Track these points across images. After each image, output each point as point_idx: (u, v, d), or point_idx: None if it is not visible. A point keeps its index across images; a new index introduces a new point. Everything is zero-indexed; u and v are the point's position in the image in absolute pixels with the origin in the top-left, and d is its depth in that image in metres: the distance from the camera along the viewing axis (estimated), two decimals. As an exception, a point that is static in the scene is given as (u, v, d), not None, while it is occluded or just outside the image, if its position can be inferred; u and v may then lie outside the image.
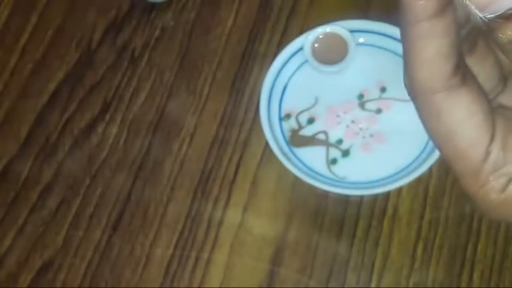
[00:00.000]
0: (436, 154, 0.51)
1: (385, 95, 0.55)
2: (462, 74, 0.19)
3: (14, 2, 0.63)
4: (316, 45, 0.55)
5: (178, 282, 0.52)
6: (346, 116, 0.55)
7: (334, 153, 0.54)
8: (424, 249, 0.51)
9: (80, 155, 0.56)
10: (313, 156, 0.54)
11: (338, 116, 0.55)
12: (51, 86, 0.59)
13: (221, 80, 0.58)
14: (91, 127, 0.57)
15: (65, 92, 0.59)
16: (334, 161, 0.54)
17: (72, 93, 0.59)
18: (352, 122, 0.54)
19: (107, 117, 0.57)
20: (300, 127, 0.55)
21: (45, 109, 0.58)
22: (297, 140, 0.54)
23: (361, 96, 0.55)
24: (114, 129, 0.57)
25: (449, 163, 0.20)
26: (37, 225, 0.54)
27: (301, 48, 0.55)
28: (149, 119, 0.57)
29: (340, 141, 0.54)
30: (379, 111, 0.55)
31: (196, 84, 0.58)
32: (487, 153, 0.19)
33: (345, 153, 0.54)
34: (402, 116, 0.54)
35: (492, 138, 0.19)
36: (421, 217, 0.52)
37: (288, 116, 0.55)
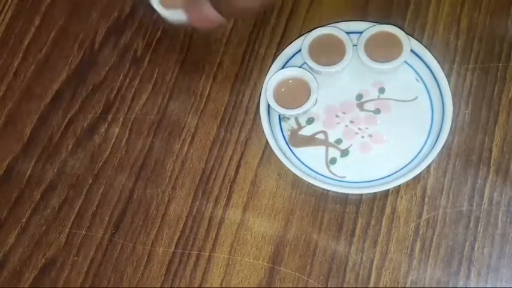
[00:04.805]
0: (434, 154, 0.52)
1: (383, 95, 0.55)
2: None
3: (17, 4, 0.63)
4: (313, 47, 0.55)
5: (180, 280, 0.52)
6: (345, 116, 0.55)
7: (334, 153, 0.54)
8: (422, 248, 0.51)
9: (83, 155, 0.57)
10: (313, 156, 0.54)
11: (337, 116, 0.55)
12: (54, 87, 0.59)
13: (222, 81, 0.58)
14: (93, 127, 0.58)
15: (67, 93, 0.59)
16: (333, 161, 0.54)
17: (74, 93, 0.59)
18: (351, 122, 0.55)
19: (109, 117, 0.58)
20: (300, 127, 0.55)
21: (48, 109, 0.59)
22: (296, 139, 0.55)
23: (359, 97, 0.55)
24: (116, 129, 0.57)
25: None
26: (40, 224, 0.55)
27: (299, 50, 0.55)
28: (151, 119, 0.57)
29: (339, 141, 0.54)
30: (377, 111, 0.55)
31: (197, 85, 0.58)
32: None
33: (344, 153, 0.54)
34: (400, 116, 0.54)
35: None
36: (419, 216, 0.52)
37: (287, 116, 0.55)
